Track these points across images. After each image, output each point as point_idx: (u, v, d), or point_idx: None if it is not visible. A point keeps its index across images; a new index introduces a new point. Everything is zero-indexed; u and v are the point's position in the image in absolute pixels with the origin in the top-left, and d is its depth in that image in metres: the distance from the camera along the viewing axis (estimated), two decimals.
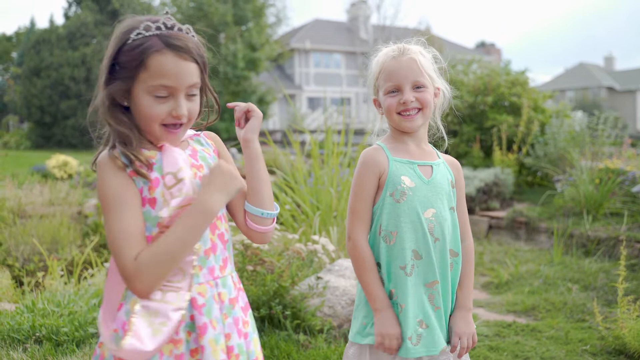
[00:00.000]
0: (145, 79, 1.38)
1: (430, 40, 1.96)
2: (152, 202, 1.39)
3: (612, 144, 8.19)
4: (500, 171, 7.96)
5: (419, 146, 1.86)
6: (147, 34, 1.37)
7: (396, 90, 1.81)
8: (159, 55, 1.36)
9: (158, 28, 1.38)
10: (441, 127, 1.96)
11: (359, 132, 13.44)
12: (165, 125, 1.42)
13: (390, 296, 1.78)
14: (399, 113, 1.80)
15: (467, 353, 1.88)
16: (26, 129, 29.29)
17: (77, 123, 26.57)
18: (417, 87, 1.80)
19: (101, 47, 27.33)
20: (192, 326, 1.41)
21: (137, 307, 1.34)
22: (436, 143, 1.97)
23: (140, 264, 1.30)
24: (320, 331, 3.34)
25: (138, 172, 1.38)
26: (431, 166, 1.83)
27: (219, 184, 1.40)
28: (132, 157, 1.38)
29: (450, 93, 1.93)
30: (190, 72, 1.41)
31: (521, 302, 4.30)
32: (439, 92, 1.88)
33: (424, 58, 1.83)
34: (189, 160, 1.47)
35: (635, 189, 5.85)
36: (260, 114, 1.62)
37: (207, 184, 1.40)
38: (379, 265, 1.80)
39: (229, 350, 1.44)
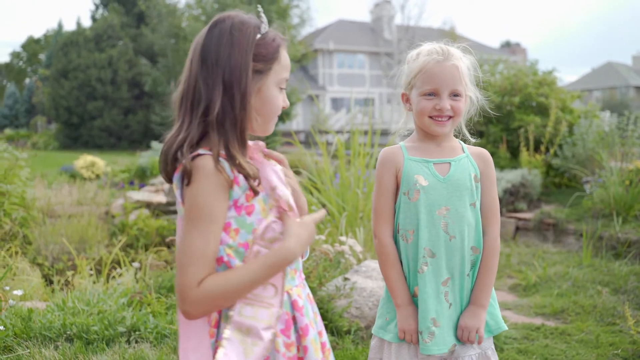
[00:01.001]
0: (278, 71, 1.41)
1: (455, 40, 1.94)
2: (250, 209, 1.36)
3: None
4: (528, 172, 7.87)
5: (439, 145, 1.86)
6: (269, 28, 1.42)
7: (434, 94, 1.80)
8: (284, 49, 1.43)
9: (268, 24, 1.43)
10: (465, 131, 1.95)
11: (384, 133, 13.40)
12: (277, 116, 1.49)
13: (413, 294, 1.81)
14: (430, 117, 1.81)
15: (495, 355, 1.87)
16: (54, 130, 29.80)
17: (104, 124, 26.96)
18: (455, 94, 1.80)
19: (127, 48, 27.71)
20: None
21: (228, 332, 1.32)
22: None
23: (204, 291, 1.27)
24: (348, 332, 3.33)
25: (253, 189, 1.35)
26: (449, 163, 1.83)
27: (304, 237, 1.38)
28: (248, 170, 1.33)
29: (479, 100, 1.92)
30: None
31: (550, 304, 4.24)
32: (466, 99, 1.87)
33: (463, 65, 1.82)
34: (279, 174, 1.46)
35: None
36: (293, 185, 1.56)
37: (296, 234, 1.37)
38: (402, 262, 1.84)
39: (322, 346, 1.49)
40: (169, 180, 1.39)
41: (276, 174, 1.43)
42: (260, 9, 1.45)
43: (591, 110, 9.16)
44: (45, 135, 28.78)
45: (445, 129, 1.82)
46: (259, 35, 1.39)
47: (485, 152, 1.91)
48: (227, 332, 1.32)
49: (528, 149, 8.56)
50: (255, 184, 1.35)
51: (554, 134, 8.58)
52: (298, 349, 1.42)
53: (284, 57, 1.43)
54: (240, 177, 1.33)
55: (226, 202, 1.33)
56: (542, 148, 8.51)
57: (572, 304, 4.22)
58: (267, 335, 1.33)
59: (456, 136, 1.95)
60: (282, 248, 1.35)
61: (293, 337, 1.41)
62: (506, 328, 1.88)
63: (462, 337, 1.79)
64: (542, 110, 8.94)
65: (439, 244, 1.77)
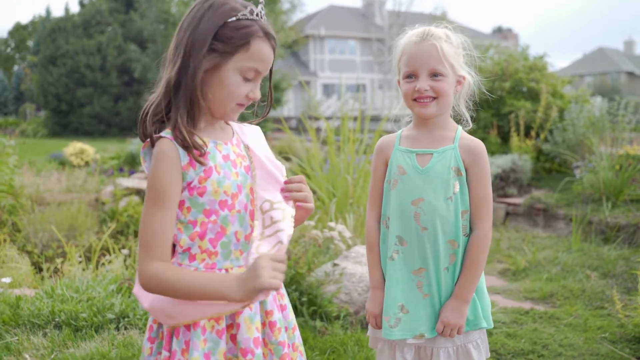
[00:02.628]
0: (243, 58, 1.42)
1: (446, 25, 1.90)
2: (202, 192, 1.43)
3: (633, 130, 8.07)
4: (518, 157, 7.88)
5: (431, 133, 1.82)
6: (251, 17, 1.43)
7: (413, 75, 1.78)
8: (260, 40, 1.43)
9: (258, 15, 1.45)
10: (466, 114, 1.92)
11: (375, 119, 13.38)
12: (238, 104, 1.48)
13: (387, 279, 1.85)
14: (414, 99, 1.78)
15: (479, 347, 1.85)
16: (43, 117, 29.56)
17: (93, 111, 26.75)
18: (434, 74, 1.75)
19: (116, 34, 27.44)
20: None
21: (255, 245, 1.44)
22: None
23: (156, 275, 1.35)
24: (337, 317, 3.34)
25: (196, 160, 1.40)
26: (432, 154, 1.79)
27: (250, 285, 1.34)
28: (192, 142, 1.39)
29: (476, 81, 1.89)
30: (271, 62, 1.49)
31: (539, 289, 4.26)
32: (463, 81, 1.83)
33: (447, 45, 1.77)
34: (235, 151, 1.52)
35: None
36: (311, 208, 1.60)
37: (244, 279, 1.34)
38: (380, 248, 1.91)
39: (271, 325, 1.51)
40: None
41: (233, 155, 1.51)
42: (262, 2, 1.48)
43: (582, 95, 9.17)
44: (34, 123, 28.53)
45: (430, 110, 1.77)
46: (233, 19, 1.40)
47: (476, 146, 1.80)
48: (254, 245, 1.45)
49: (519, 134, 8.57)
50: (197, 154, 1.39)
51: (544, 119, 8.59)
52: (232, 326, 1.47)
53: (256, 48, 1.43)
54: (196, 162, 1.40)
55: (180, 182, 1.40)
56: (533, 133, 8.52)
57: (561, 288, 4.24)
58: (285, 239, 1.47)
59: (458, 120, 1.91)
60: (226, 286, 1.35)
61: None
62: (486, 326, 1.82)
63: (443, 332, 1.77)
64: (533, 96, 8.94)
65: (410, 234, 1.78)
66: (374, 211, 1.92)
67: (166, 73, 1.44)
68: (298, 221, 1.58)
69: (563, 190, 7.09)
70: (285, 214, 1.49)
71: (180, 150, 1.38)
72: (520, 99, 8.90)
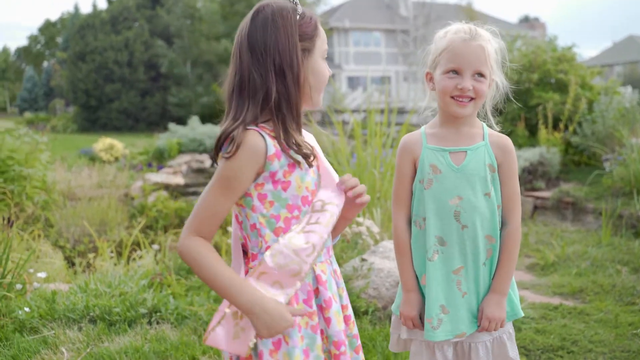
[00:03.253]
0: (320, 44, 1.52)
1: (472, 16, 1.91)
2: (286, 186, 1.48)
3: None
4: (546, 150, 7.79)
5: (459, 130, 1.83)
6: (300, 8, 1.51)
7: (456, 72, 1.77)
8: (319, 22, 1.54)
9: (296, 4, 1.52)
10: (491, 119, 1.92)
11: (401, 111, 13.33)
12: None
13: (422, 280, 1.84)
14: (452, 97, 1.77)
15: (513, 338, 1.88)
16: (72, 113, 30.06)
17: (121, 106, 27.11)
18: (478, 75, 1.76)
19: (143, 30, 27.74)
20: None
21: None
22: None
23: (195, 249, 1.42)
24: (365, 313, 3.36)
25: (309, 164, 1.49)
26: (465, 152, 1.81)
27: (275, 328, 1.41)
28: (305, 151, 1.46)
29: (505, 88, 1.89)
30: None
31: (568, 284, 4.23)
32: (492, 84, 1.84)
33: (491, 47, 1.79)
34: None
35: None
36: (367, 201, 1.66)
37: (271, 317, 1.39)
38: (413, 249, 1.87)
39: (346, 319, 1.59)
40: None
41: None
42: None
43: (611, 86, 9.01)
44: (64, 118, 29.06)
45: (466, 111, 1.78)
46: (298, 17, 1.48)
47: (506, 141, 1.86)
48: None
49: (547, 127, 8.47)
50: (311, 160, 1.48)
51: (573, 111, 8.47)
52: (321, 320, 1.53)
53: (321, 30, 1.53)
54: (283, 154, 1.44)
55: (252, 177, 1.44)
56: (561, 126, 8.41)
57: (590, 284, 4.20)
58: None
59: (482, 120, 1.92)
60: (251, 305, 1.39)
61: (314, 307, 1.51)
62: (522, 315, 1.89)
63: (489, 327, 1.79)
64: (561, 87, 8.81)
65: (451, 233, 1.78)
66: (402, 212, 1.88)
67: (248, 98, 1.45)
68: (353, 215, 1.67)
69: (592, 183, 7.00)
70: (329, 221, 1.52)
71: (268, 140, 1.43)
72: (549, 90, 8.78)
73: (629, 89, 9.52)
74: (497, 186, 1.82)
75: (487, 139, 1.83)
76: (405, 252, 1.86)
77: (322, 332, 1.52)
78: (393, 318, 1.98)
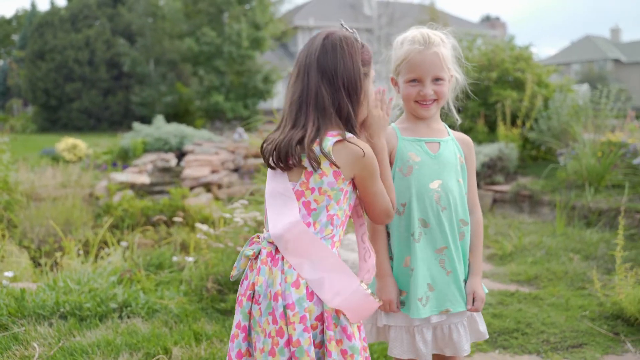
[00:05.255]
0: (370, 71, 1.77)
1: (435, 15, 2.07)
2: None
3: (615, 117, 8.25)
4: (505, 146, 8.05)
5: (429, 126, 2.02)
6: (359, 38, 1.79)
7: (417, 81, 1.94)
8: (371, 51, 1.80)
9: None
10: (453, 109, 2.10)
11: None
12: None
13: (405, 263, 1.95)
14: (416, 101, 1.96)
15: (481, 315, 2.07)
16: (31, 113, 29.39)
17: (83, 105, 26.64)
18: (437, 79, 1.94)
19: (104, 28, 27.32)
20: None
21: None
22: (448, 120, 2.12)
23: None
24: None
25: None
26: (439, 143, 1.99)
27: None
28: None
29: (463, 80, 2.07)
30: None
31: (524, 272, 4.44)
32: (451, 79, 2.01)
33: (445, 50, 1.95)
34: None
35: (636, 161, 5.95)
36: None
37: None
38: (389, 235, 1.99)
39: None
40: (287, 167, 1.69)
41: None
42: (342, 23, 1.83)
43: (566, 84, 9.34)
44: (23, 118, 28.38)
45: (431, 112, 1.98)
46: (360, 44, 1.74)
47: (468, 138, 2.09)
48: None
49: (505, 123, 8.73)
50: None
51: (530, 108, 8.75)
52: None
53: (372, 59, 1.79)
54: None
55: None
56: (519, 122, 8.68)
57: (545, 271, 4.42)
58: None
59: (445, 114, 2.10)
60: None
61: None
62: (487, 291, 2.08)
63: (478, 307, 1.97)
64: (519, 85, 9.10)
65: (433, 215, 1.93)
66: None
67: (315, 111, 1.68)
68: None
69: (548, 177, 7.27)
70: None
71: None
72: (507, 88, 9.05)
73: (583, 87, 9.87)
74: (465, 176, 2.01)
75: (452, 135, 2.05)
76: (382, 238, 1.98)
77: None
78: None
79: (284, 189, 1.71)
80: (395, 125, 2.04)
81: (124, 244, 4.80)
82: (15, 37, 42.41)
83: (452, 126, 2.10)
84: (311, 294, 1.64)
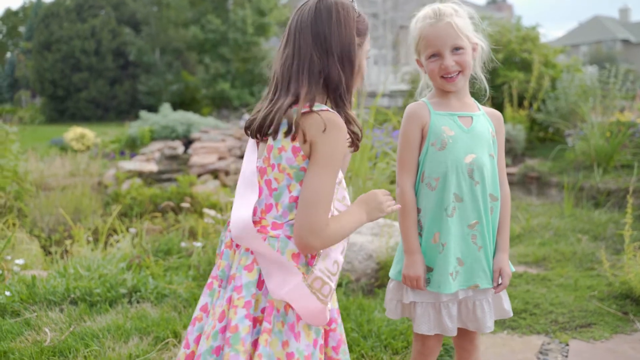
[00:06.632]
0: (366, 43, 1.64)
1: None
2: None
3: (624, 98, 8.18)
4: (512, 127, 8.01)
5: (460, 100, 1.99)
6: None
7: (436, 55, 1.92)
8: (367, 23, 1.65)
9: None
10: (482, 78, 2.07)
11: (371, 95, 13.45)
12: None
13: (434, 239, 1.93)
14: (442, 77, 1.93)
15: (506, 292, 2.06)
16: (39, 104, 29.51)
17: (90, 95, 26.71)
18: (456, 48, 1.90)
19: (109, 18, 27.31)
20: None
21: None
22: (478, 93, 2.09)
23: (330, 232, 1.49)
24: (339, 285, 3.50)
25: (358, 140, 1.62)
26: (471, 117, 1.97)
27: (375, 213, 1.64)
28: (359, 126, 1.61)
29: (487, 46, 2.03)
30: None
31: (532, 253, 4.43)
32: (477, 47, 1.98)
33: (460, 19, 1.92)
34: None
35: None
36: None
37: (371, 208, 1.63)
38: (419, 210, 1.96)
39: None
40: (276, 133, 1.53)
41: None
42: None
43: (574, 64, 9.27)
44: (31, 110, 28.50)
45: (458, 84, 1.94)
46: (358, 14, 1.60)
47: (498, 113, 2.06)
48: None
49: (512, 105, 8.69)
50: (359, 140, 1.61)
51: (537, 89, 8.70)
52: None
53: (368, 32, 1.65)
54: None
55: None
56: (526, 103, 8.64)
57: (553, 252, 4.41)
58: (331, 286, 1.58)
59: (474, 85, 2.08)
60: (361, 216, 1.61)
61: None
62: (514, 269, 2.07)
63: (505, 283, 1.96)
64: (526, 66, 9.04)
65: (467, 189, 1.92)
66: (410, 177, 1.97)
67: (307, 77, 1.54)
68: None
69: (556, 158, 7.24)
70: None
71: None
72: (514, 69, 9.00)
73: (591, 67, 9.77)
74: (497, 150, 1.99)
75: (482, 109, 2.02)
76: (412, 215, 1.95)
77: None
78: (392, 285, 2.05)
79: (250, 171, 1.61)
80: (427, 99, 2.01)
81: (132, 230, 4.82)
82: (22, 29, 42.48)
83: (478, 99, 2.09)
84: (262, 282, 1.52)
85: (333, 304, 1.65)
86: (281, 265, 1.50)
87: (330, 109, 1.53)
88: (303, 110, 1.49)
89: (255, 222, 1.56)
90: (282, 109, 1.52)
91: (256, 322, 1.50)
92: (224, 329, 1.49)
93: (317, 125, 1.48)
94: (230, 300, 1.51)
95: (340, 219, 1.55)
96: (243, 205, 1.56)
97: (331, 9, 1.55)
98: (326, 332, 1.63)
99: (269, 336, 1.48)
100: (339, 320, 1.67)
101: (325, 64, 1.54)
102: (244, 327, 1.46)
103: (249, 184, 1.59)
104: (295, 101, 1.52)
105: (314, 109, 1.50)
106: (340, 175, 1.64)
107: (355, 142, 1.61)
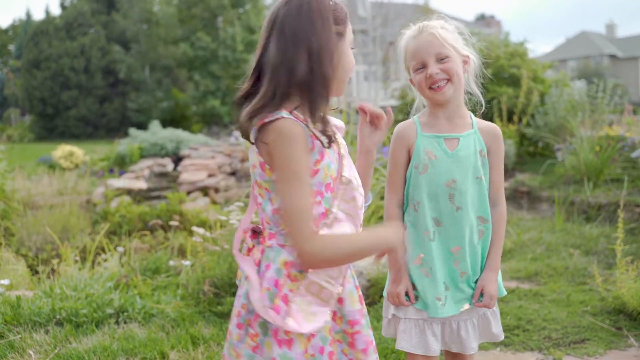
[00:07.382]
0: (348, 32, 1.53)
1: (429, 14, 2.02)
2: (314, 173, 1.46)
3: (612, 112, 8.24)
4: None
5: (450, 120, 1.94)
6: None
7: (422, 66, 1.89)
8: (346, 9, 1.54)
9: None
10: (477, 92, 2.03)
11: None
12: None
13: (417, 260, 1.90)
14: (430, 88, 1.89)
15: (497, 315, 2.01)
16: (28, 122, 29.39)
17: (79, 113, 26.63)
18: (441, 58, 1.87)
19: (99, 36, 27.33)
20: None
21: (301, 290, 1.47)
22: (474, 108, 2.04)
23: (329, 245, 1.42)
24: None
25: (325, 146, 1.46)
26: (458, 139, 1.92)
27: (399, 235, 1.56)
28: (331, 129, 1.46)
29: (478, 59, 2.00)
30: None
31: (524, 268, 4.40)
32: (468, 60, 1.95)
33: (444, 31, 1.90)
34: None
35: (634, 154, 5.93)
36: (388, 127, 1.73)
37: (393, 232, 1.55)
38: (405, 228, 1.91)
39: (360, 298, 1.61)
40: (248, 138, 1.47)
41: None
42: None
43: (562, 79, 9.33)
44: (20, 128, 28.36)
45: (447, 93, 1.88)
46: (332, 2, 1.49)
47: (494, 128, 1.99)
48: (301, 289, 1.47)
49: (501, 120, 8.72)
50: (331, 142, 1.46)
51: (526, 104, 8.74)
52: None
53: (348, 19, 1.54)
54: (317, 143, 1.44)
55: (309, 159, 1.44)
56: (515, 118, 8.67)
57: (545, 267, 4.39)
58: (325, 316, 1.49)
59: (471, 99, 2.03)
60: (382, 235, 1.53)
61: None
62: (505, 293, 2.02)
63: (489, 304, 1.90)
64: (514, 81, 9.09)
65: (445, 214, 1.88)
66: (394, 197, 1.96)
67: (274, 77, 1.44)
68: (374, 144, 1.74)
69: (546, 172, 7.25)
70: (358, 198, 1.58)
71: (306, 131, 1.42)
72: (502, 85, 9.04)
73: (579, 82, 9.85)
74: (487, 170, 1.94)
75: (476, 127, 1.95)
76: None
77: (334, 312, 1.53)
78: (384, 302, 2.04)
79: (253, 182, 1.54)
80: (417, 119, 1.98)
81: (120, 249, 4.76)
82: (11, 47, 42.40)
83: (474, 111, 2.03)
84: None
85: (353, 306, 1.55)
86: (250, 278, 1.48)
87: (285, 115, 1.40)
88: (262, 121, 1.40)
89: (258, 233, 1.58)
90: (244, 118, 1.44)
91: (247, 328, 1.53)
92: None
93: (269, 137, 1.39)
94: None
95: (347, 235, 1.50)
96: (242, 220, 1.59)
97: (302, 2, 1.45)
98: (351, 335, 1.55)
99: (252, 341, 1.50)
100: (363, 322, 1.57)
101: (296, 60, 1.42)
102: (235, 335, 1.51)
103: (252, 198, 1.58)
104: (264, 105, 1.42)
105: (275, 116, 1.40)
106: (349, 174, 1.54)
107: (330, 142, 1.47)
